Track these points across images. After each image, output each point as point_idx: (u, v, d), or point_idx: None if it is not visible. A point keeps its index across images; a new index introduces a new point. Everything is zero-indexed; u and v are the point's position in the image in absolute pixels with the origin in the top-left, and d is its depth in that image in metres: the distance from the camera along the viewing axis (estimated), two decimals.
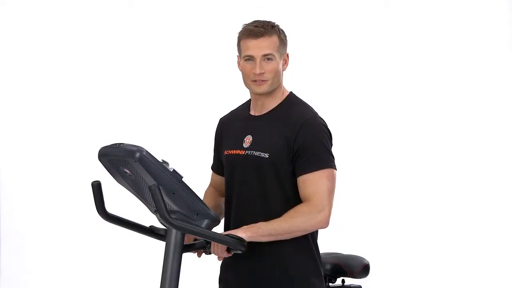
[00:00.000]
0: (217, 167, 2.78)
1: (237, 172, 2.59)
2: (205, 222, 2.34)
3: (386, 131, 4.94)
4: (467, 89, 5.02)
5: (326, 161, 2.47)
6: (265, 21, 2.56)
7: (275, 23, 2.57)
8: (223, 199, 2.71)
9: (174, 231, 2.33)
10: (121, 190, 2.46)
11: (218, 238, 2.32)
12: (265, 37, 2.51)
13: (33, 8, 4.66)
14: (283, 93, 2.61)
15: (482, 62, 5.03)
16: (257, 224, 2.43)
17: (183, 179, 2.26)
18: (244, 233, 2.38)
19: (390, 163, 4.94)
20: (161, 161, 2.23)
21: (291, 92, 2.64)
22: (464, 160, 4.99)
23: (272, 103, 2.58)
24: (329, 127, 2.57)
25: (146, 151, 2.19)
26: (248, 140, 2.58)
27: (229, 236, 2.35)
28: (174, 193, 2.26)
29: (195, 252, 2.55)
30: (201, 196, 2.67)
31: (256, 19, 2.58)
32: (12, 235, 4.64)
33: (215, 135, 2.78)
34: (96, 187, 2.38)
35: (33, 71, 4.68)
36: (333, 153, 2.53)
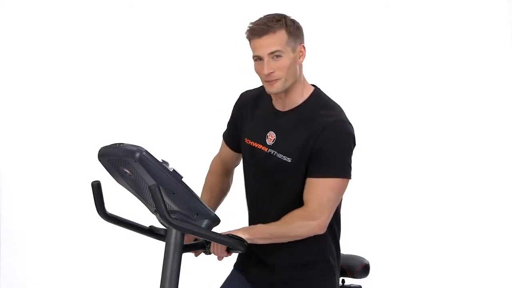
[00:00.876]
0: (230, 141, 2.70)
1: (257, 167, 2.53)
2: (205, 222, 2.34)
3: (386, 131, 4.94)
4: (467, 89, 5.02)
5: (337, 169, 2.37)
6: (271, 15, 2.42)
7: (284, 16, 2.42)
8: (228, 178, 2.73)
9: (174, 231, 2.33)
10: (121, 190, 2.46)
11: (218, 238, 2.32)
12: (269, 34, 2.36)
13: (33, 8, 4.66)
14: (305, 87, 2.48)
15: (482, 62, 5.03)
16: (256, 226, 2.43)
17: (183, 179, 2.26)
18: (243, 234, 2.38)
19: (390, 163, 4.94)
20: (161, 161, 2.23)
21: (315, 88, 2.52)
22: (463, 160, 4.99)
23: (294, 99, 2.46)
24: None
25: (146, 151, 2.19)
26: (271, 137, 2.49)
27: (230, 236, 2.35)
28: (174, 193, 2.26)
29: (193, 252, 2.56)
30: (204, 177, 2.73)
31: (266, 14, 2.44)
32: (12, 235, 4.64)
33: (236, 108, 2.67)
34: (96, 187, 2.38)
35: (33, 71, 4.68)
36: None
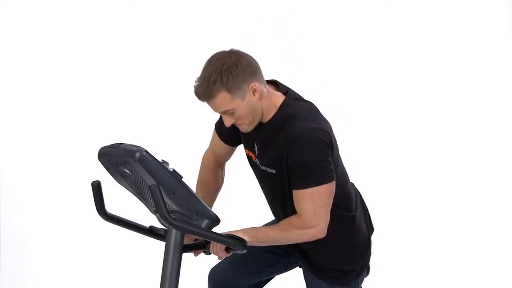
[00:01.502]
0: (224, 134, 2.69)
1: (256, 171, 2.60)
2: (205, 222, 2.34)
3: (386, 131, 4.93)
4: (467, 89, 5.01)
5: (318, 178, 2.39)
6: (207, 73, 2.37)
7: (220, 70, 2.34)
8: (222, 172, 2.77)
9: (174, 231, 2.33)
10: (121, 190, 2.46)
11: (218, 238, 2.33)
12: (211, 100, 2.37)
13: (33, 8, 4.66)
14: (273, 102, 2.46)
15: (482, 62, 5.02)
16: (258, 229, 2.46)
17: (183, 179, 2.26)
18: (244, 235, 2.39)
19: (390, 163, 4.94)
20: (161, 161, 2.23)
21: (286, 97, 2.49)
22: (463, 160, 4.99)
23: (268, 115, 2.47)
24: (328, 131, 2.44)
25: (146, 151, 2.19)
26: (256, 147, 2.55)
27: (230, 236, 2.35)
28: (174, 193, 2.26)
29: (193, 252, 2.56)
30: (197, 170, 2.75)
31: (200, 75, 2.40)
32: (12, 235, 4.64)
33: None
34: (96, 187, 2.38)
35: (33, 71, 4.68)
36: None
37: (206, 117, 4.69)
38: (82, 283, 4.63)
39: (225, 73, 2.35)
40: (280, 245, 2.66)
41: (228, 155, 2.78)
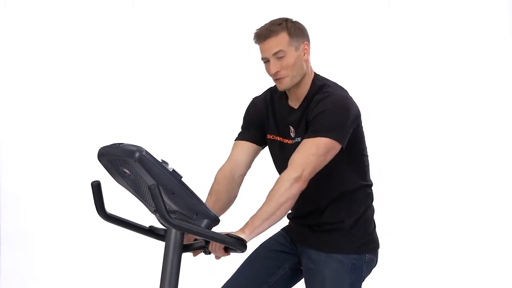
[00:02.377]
0: (252, 136, 2.75)
1: (288, 158, 2.60)
2: (205, 221, 2.33)
3: (387, 130, 4.94)
4: (468, 88, 5.02)
5: (324, 130, 2.48)
6: (274, 20, 2.60)
7: (286, 19, 2.60)
8: (236, 187, 2.74)
9: (173, 231, 2.33)
10: (121, 190, 2.46)
11: (217, 237, 2.33)
12: (271, 38, 2.55)
13: (34, 8, 4.66)
14: (312, 73, 2.66)
15: (482, 62, 5.03)
16: (249, 220, 2.44)
17: (182, 179, 2.26)
18: (243, 233, 2.39)
19: (389, 163, 4.94)
20: (161, 161, 2.23)
21: (315, 74, 2.68)
22: (463, 160, 4.99)
23: (303, 92, 2.63)
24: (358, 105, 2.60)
25: (146, 151, 2.19)
26: (292, 131, 2.65)
27: (229, 236, 2.35)
28: (173, 193, 2.26)
29: (192, 252, 2.56)
30: (206, 192, 2.71)
31: (269, 20, 2.61)
32: (12, 235, 4.64)
33: (248, 114, 2.78)
34: (96, 187, 2.38)
35: (33, 72, 4.68)
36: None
37: (206, 117, 4.71)
38: (82, 283, 4.63)
39: (290, 22, 2.60)
40: (282, 241, 2.72)
41: (249, 163, 2.77)
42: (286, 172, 2.46)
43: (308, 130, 2.53)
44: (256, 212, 2.44)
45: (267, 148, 2.78)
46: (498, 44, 5.05)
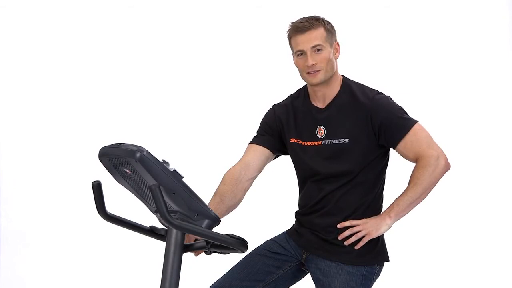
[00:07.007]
0: (267, 142, 2.76)
1: (315, 161, 2.67)
2: (206, 222, 2.33)
3: None
4: (468, 88, 5.02)
5: (408, 122, 2.63)
6: (310, 16, 2.70)
7: (320, 16, 2.71)
8: (243, 190, 2.73)
9: (174, 231, 2.33)
10: (121, 190, 2.46)
11: (218, 238, 2.32)
12: (311, 31, 2.64)
13: (34, 8, 4.66)
14: (339, 80, 2.73)
15: (482, 62, 5.03)
16: (392, 204, 2.63)
17: (183, 179, 2.26)
18: (389, 216, 2.59)
19: (390, 163, 4.93)
20: (162, 161, 2.23)
21: (343, 77, 2.77)
22: (463, 160, 4.99)
23: (333, 91, 2.71)
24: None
25: (147, 151, 2.19)
26: (321, 130, 2.69)
27: (230, 236, 2.35)
28: (174, 193, 2.26)
29: (193, 252, 2.56)
30: (212, 191, 2.71)
31: (303, 16, 2.71)
32: (12, 235, 4.64)
33: (267, 119, 2.80)
34: (96, 187, 2.38)
35: (33, 72, 4.68)
36: None
37: (206, 117, 4.71)
38: (82, 283, 4.63)
39: (325, 20, 2.73)
40: (284, 245, 2.74)
41: (260, 167, 2.77)
42: (424, 159, 2.61)
43: (383, 134, 2.63)
44: (401, 197, 2.62)
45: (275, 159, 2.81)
46: (498, 44, 5.05)
